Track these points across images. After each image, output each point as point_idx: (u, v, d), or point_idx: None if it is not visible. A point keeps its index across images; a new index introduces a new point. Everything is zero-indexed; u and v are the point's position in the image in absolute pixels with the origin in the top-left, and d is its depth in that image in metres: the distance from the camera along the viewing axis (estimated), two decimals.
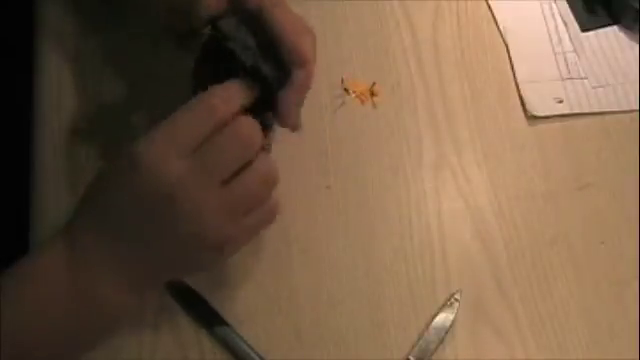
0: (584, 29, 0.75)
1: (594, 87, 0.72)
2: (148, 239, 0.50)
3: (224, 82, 0.52)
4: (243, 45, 0.53)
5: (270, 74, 0.53)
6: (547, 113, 0.70)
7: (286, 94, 0.54)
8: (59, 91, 0.68)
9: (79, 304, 0.50)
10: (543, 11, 0.76)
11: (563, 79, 0.72)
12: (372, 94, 0.70)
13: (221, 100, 0.50)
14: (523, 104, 0.71)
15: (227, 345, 0.58)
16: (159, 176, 0.48)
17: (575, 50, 0.74)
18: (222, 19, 0.54)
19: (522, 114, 0.70)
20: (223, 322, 0.58)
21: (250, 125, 0.50)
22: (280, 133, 0.59)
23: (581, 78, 0.72)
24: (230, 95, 0.51)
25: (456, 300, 0.61)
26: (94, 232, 0.50)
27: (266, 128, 0.54)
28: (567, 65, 0.73)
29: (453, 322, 0.60)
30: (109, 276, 0.50)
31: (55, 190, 0.63)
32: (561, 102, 0.71)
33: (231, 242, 0.51)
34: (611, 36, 0.75)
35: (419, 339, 0.59)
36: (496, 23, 0.75)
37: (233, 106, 0.50)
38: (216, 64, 0.55)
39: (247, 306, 0.60)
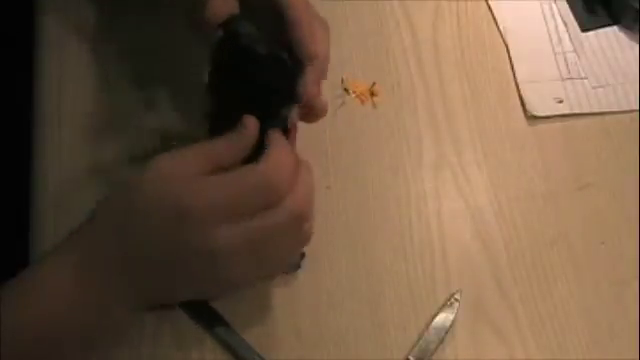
0: (584, 29, 0.75)
1: (594, 87, 0.72)
2: (171, 281, 0.53)
3: (241, 95, 0.53)
4: (256, 41, 0.53)
5: (288, 58, 0.53)
6: (547, 113, 0.70)
7: (306, 80, 0.54)
8: (59, 91, 0.67)
9: (83, 316, 0.50)
10: (543, 11, 0.76)
11: (563, 79, 0.72)
12: (372, 94, 0.70)
13: (279, 178, 0.51)
14: (523, 104, 0.71)
15: (227, 345, 0.58)
16: (207, 237, 0.49)
17: (575, 50, 0.74)
18: (232, 22, 0.54)
19: (522, 114, 0.70)
20: (223, 322, 0.58)
21: (307, 202, 0.52)
22: None
23: (581, 78, 0.72)
24: (288, 168, 0.51)
25: (456, 300, 0.61)
26: (116, 259, 0.50)
27: (287, 129, 0.55)
28: (567, 65, 0.73)
29: (453, 322, 0.60)
30: (118, 298, 0.51)
31: (55, 190, 0.63)
32: (561, 102, 0.71)
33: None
34: (611, 36, 0.75)
35: (419, 339, 0.59)
36: (496, 23, 0.75)
37: (291, 181, 0.51)
38: (230, 72, 0.55)
39: (247, 306, 0.60)
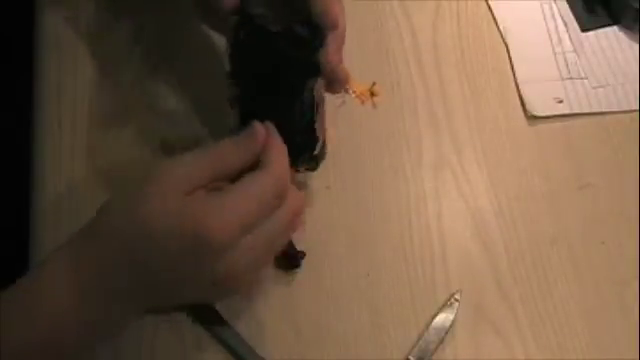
0: (584, 29, 0.75)
1: (594, 87, 0.72)
2: (179, 293, 0.53)
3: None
4: (270, 20, 0.53)
5: (305, 32, 0.53)
6: (547, 113, 0.70)
7: (327, 50, 0.55)
8: (59, 92, 0.67)
9: (84, 322, 0.50)
10: (543, 11, 0.76)
11: (563, 79, 0.72)
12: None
13: (287, 179, 0.52)
14: (523, 104, 0.71)
15: (227, 345, 0.58)
16: (228, 257, 0.49)
17: (575, 50, 0.74)
18: (245, 5, 0.54)
19: (522, 114, 0.70)
20: (223, 322, 0.58)
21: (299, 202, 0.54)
22: None
23: (581, 78, 0.72)
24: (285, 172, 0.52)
25: (456, 300, 0.61)
26: (122, 267, 0.50)
27: (315, 103, 0.56)
28: (567, 65, 0.73)
29: (453, 322, 0.60)
30: (121, 307, 0.51)
31: (55, 190, 0.63)
32: (561, 102, 0.71)
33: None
34: (611, 36, 0.75)
35: (419, 339, 0.59)
36: (496, 23, 0.75)
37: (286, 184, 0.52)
38: (250, 54, 0.55)
39: (247, 306, 0.60)
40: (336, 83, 0.57)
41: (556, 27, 0.75)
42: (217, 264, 0.49)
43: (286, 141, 0.54)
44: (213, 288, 0.52)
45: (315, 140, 0.57)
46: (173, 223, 0.48)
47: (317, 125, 0.57)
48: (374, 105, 0.70)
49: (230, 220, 0.49)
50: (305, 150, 0.57)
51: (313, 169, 0.59)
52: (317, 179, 0.65)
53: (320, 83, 0.56)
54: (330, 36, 0.55)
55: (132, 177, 0.54)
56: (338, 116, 0.69)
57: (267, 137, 0.52)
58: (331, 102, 0.69)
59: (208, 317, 0.59)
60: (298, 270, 0.61)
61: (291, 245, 0.61)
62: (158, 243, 0.49)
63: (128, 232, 0.50)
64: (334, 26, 0.55)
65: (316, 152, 0.58)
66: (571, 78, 0.72)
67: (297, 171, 0.58)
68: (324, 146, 0.59)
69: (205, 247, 0.48)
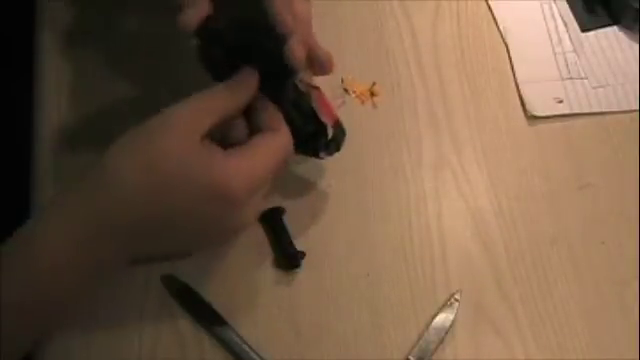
0: (584, 29, 0.75)
1: (594, 87, 0.72)
2: (181, 243, 0.56)
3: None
4: (233, 32, 0.55)
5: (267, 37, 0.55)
6: (547, 113, 0.70)
7: (289, 48, 0.55)
8: (59, 91, 0.68)
9: (81, 272, 0.51)
10: (543, 11, 0.76)
11: (563, 79, 0.72)
12: (372, 94, 0.70)
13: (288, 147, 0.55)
14: (523, 104, 0.71)
15: (227, 345, 0.58)
16: (244, 212, 0.53)
17: (575, 50, 0.74)
18: (204, 27, 0.55)
19: (522, 114, 0.70)
20: (223, 322, 0.58)
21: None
22: None
23: (581, 78, 0.72)
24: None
25: (456, 300, 0.61)
26: (135, 220, 0.50)
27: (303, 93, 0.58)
28: (567, 65, 0.73)
29: (453, 322, 0.60)
30: (112, 250, 0.51)
31: (55, 190, 0.63)
32: (561, 102, 0.71)
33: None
34: (611, 36, 0.75)
35: (419, 339, 0.59)
36: (496, 23, 0.75)
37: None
38: (224, 69, 0.56)
39: (247, 306, 0.60)
40: (319, 68, 0.58)
41: (556, 27, 0.75)
42: (232, 218, 0.52)
43: (299, 135, 0.57)
44: (218, 237, 0.56)
45: (323, 125, 0.58)
46: (194, 172, 0.50)
47: (318, 111, 0.58)
48: (374, 105, 0.70)
49: (251, 184, 0.52)
50: (319, 137, 0.59)
51: (336, 150, 0.60)
52: (317, 179, 0.65)
53: (299, 76, 0.57)
54: (291, 35, 0.55)
55: None
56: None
57: (268, 103, 0.56)
58: (331, 102, 0.69)
59: (208, 317, 0.59)
60: (298, 270, 0.61)
61: (291, 245, 0.61)
62: (174, 188, 0.50)
63: (143, 184, 0.50)
64: (287, 27, 0.55)
65: (330, 136, 0.59)
66: (571, 78, 0.72)
67: (321, 158, 0.60)
68: (339, 128, 0.60)
69: (227, 206, 0.51)
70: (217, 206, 0.51)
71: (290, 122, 0.56)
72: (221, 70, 0.56)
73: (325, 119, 0.58)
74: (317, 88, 0.59)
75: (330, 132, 0.59)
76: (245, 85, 0.54)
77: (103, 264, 0.52)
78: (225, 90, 0.54)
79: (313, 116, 0.58)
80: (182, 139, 0.50)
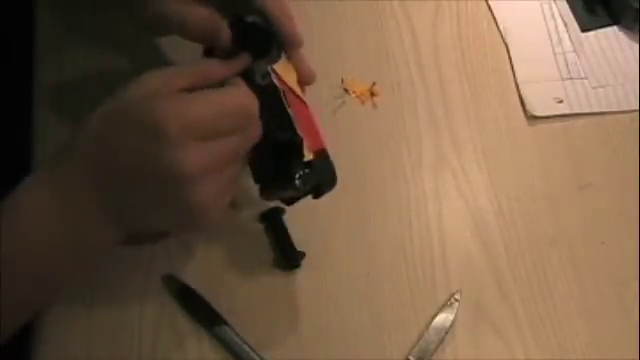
0: (584, 29, 0.75)
1: (594, 87, 0.72)
2: (140, 201, 0.52)
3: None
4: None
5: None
6: (547, 113, 0.70)
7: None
8: (59, 91, 0.68)
9: (64, 234, 0.51)
10: (543, 11, 0.76)
11: (563, 79, 0.72)
12: (372, 94, 0.70)
13: (254, 107, 0.53)
14: (523, 104, 0.71)
15: (227, 345, 0.58)
16: (177, 154, 0.49)
17: (575, 50, 0.74)
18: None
19: (522, 114, 0.70)
20: (223, 322, 0.58)
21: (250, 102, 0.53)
22: None
23: (581, 78, 0.72)
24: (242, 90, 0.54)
25: (456, 300, 0.61)
26: (87, 177, 0.51)
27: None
28: (567, 65, 0.73)
29: (453, 322, 0.60)
30: (94, 216, 0.51)
31: None
32: (561, 102, 0.71)
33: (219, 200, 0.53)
34: (611, 36, 0.75)
35: (419, 339, 0.59)
36: (496, 23, 0.75)
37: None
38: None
39: (247, 306, 0.60)
40: (291, 43, 0.57)
41: (556, 27, 0.75)
42: (168, 155, 0.49)
43: (267, 145, 0.54)
44: (173, 198, 0.51)
45: (298, 137, 0.53)
46: (136, 108, 0.50)
47: (294, 120, 0.54)
48: (374, 105, 0.70)
49: (184, 113, 0.49)
50: (292, 150, 0.54)
51: (314, 189, 0.55)
52: None
53: (280, 68, 0.56)
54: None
55: None
56: (338, 116, 0.69)
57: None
58: (331, 103, 0.70)
59: (208, 317, 0.59)
60: (298, 270, 0.61)
61: (291, 245, 0.61)
62: (120, 126, 0.50)
63: (99, 125, 0.51)
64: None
65: (307, 159, 0.53)
66: (571, 78, 0.72)
67: (294, 188, 0.54)
68: (324, 161, 0.55)
69: (156, 132, 0.49)
70: (150, 140, 0.49)
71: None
72: None
73: (305, 140, 0.54)
74: (304, 104, 0.57)
75: (307, 157, 0.53)
76: (224, 65, 0.55)
77: (83, 217, 0.51)
78: (199, 65, 0.55)
79: (287, 121, 0.54)
80: (145, 92, 0.51)
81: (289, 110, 0.54)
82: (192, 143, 0.49)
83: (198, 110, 0.50)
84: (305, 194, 0.56)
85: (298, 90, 0.57)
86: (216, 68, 0.55)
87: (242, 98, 0.53)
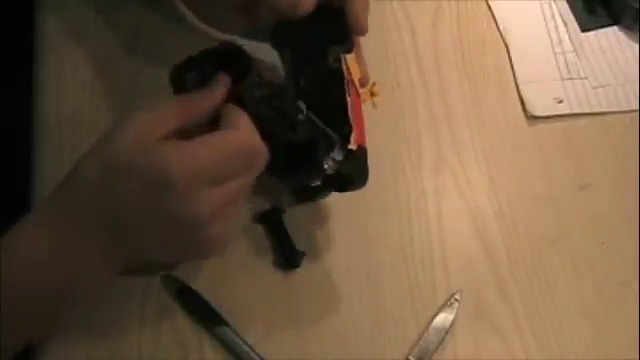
0: (584, 29, 0.75)
1: (594, 87, 0.72)
2: (149, 243, 0.52)
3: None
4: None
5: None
6: (547, 113, 0.70)
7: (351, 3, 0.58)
8: (59, 91, 0.67)
9: (63, 275, 0.51)
10: (543, 11, 0.76)
11: (563, 79, 0.72)
12: (372, 94, 0.70)
13: (257, 142, 0.52)
14: (523, 104, 0.71)
15: (227, 345, 0.58)
16: (190, 204, 0.49)
17: (575, 50, 0.74)
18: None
19: (522, 114, 0.70)
20: (223, 322, 0.58)
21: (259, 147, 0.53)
22: None
23: (581, 78, 0.72)
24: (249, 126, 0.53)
25: (456, 300, 0.61)
26: (93, 217, 0.50)
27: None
28: (567, 65, 0.73)
29: (453, 322, 0.60)
30: (94, 259, 0.51)
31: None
32: (561, 102, 0.71)
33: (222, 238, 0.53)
34: (611, 36, 0.75)
35: (419, 339, 0.59)
36: (496, 23, 0.75)
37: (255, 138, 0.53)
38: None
39: (247, 306, 0.60)
40: (357, 29, 0.59)
41: (556, 27, 0.75)
42: (180, 207, 0.49)
43: (320, 118, 0.55)
44: (182, 240, 0.52)
45: (348, 125, 0.56)
46: (139, 160, 0.49)
47: (349, 108, 0.57)
48: (374, 105, 0.70)
49: (191, 163, 0.49)
50: (340, 131, 0.56)
51: (347, 184, 0.56)
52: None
53: (350, 59, 0.58)
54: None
55: None
56: None
57: (240, 110, 0.53)
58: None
59: (208, 317, 0.59)
60: (298, 270, 0.61)
61: (291, 245, 0.61)
62: (122, 178, 0.50)
63: (96, 174, 0.50)
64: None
65: (351, 146, 0.56)
66: (571, 78, 0.72)
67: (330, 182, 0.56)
68: (363, 156, 0.57)
69: (166, 185, 0.49)
70: (160, 193, 0.49)
71: (269, 131, 0.54)
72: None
73: (354, 131, 0.56)
74: (359, 99, 0.60)
75: (352, 146, 0.55)
76: (209, 94, 0.53)
77: (81, 260, 0.52)
78: (185, 99, 0.53)
79: (342, 106, 0.57)
80: (137, 137, 0.50)
81: (348, 98, 0.57)
82: (201, 192, 0.49)
83: (203, 159, 0.50)
84: (332, 184, 0.57)
85: (357, 85, 0.60)
86: (201, 101, 0.53)
87: (243, 137, 0.52)
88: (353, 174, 0.56)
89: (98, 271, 0.52)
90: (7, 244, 0.50)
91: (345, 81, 0.58)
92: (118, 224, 0.51)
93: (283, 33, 0.59)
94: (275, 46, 0.60)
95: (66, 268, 0.51)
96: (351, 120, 0.57)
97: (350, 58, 0.59)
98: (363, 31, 0.59)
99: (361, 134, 0.58)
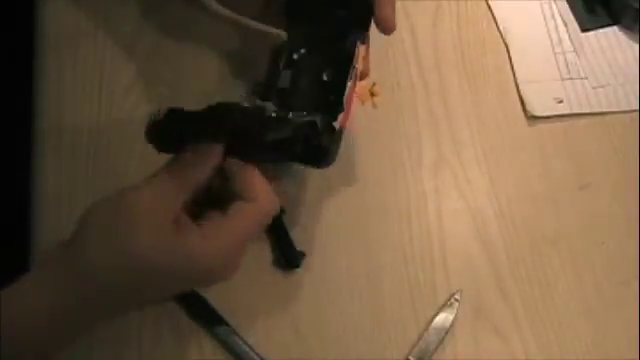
0: (584, 29, 0.75)
1: (594, 87, 0.72)
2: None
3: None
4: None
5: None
6: (547, 113, 0.70)
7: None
8: (59, 91, 0.67)
9: (65, 329, 0.51)
10: (543, 11, 0.76)
11: (563, 79, 0.72)
12: (372, 94, 0.70)
13: (274, 205, 0.53)
14: (523, 104, 0.71)
15: (227, 345, 0.58)
16: (217, 277, 0.53)
17: (575, 50, 0.74)
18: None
19: (522, 114, 0.70)
20: (223, 322, 0.58)
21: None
22: None
23: (581, 78, 0.72)
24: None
25: (456, 300, 0.61)
26: (106, 299, 0.50)
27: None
28: (567, 65, 0.73)
29: (453, 322, 0.60)
30: (100, 314, 0.52)
31: (55, 190, 0.63)
32: (561, 102, 0.71)
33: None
34: (611, 36, 0.75)
35: (419, 339, 0.59)
36: (496, 23, 0.75)
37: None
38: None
39: (247, 306, 0.60)
40: (384, 27, 0.59)
41: (556, 27, 0.75)
42: (203, 277, 0.53)
43: (314, 92, 0.58)
44: (197, 285, 0.57)
45: (341, 107, 0.57)
46: (168, 261, 0.49)
47: (347, 91, 0.57)
48: (374, 105, 0.70)
49: (231, 260, 0.52)
50: (331, 108, 0.57)
51: (314, 156, 0.57)
52: (317, 179, 0.65)
53: (361, 50, 0.59)
54: None
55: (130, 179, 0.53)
56: None
57: (251, 171, 0.52)
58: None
59: (208, 317, 0.59)
60: (298, 270, 0.61)
61: (291, 245, 0.61)
62: (151, 278, 0.49)
63: (113, 266, 0.48)
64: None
65: (335, 124, 0.56)
66: (571, 78, 0.72)
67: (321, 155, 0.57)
68: (339, 138, 0.58)
69: (200, 277, 0.53)
70: (200, 281, 0.55)
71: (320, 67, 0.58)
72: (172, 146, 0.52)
73: (345, 105, 0.57)
74: (355, 88, 0.60)
75: (338, 121, 0.57)
76: (206, 156, 0.51)
77: (85, 325, 0.53)
78: (181, 169, 0.51)
79: (342, 85, 0.58)
80: (153, 232, 0.49)
81: (349, 82, 0.58)
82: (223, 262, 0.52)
83: (239, 249, 0.52)
84: (301, 145, 0.55)
85: (358, 75, 0.61)
86: (201, 167, 0.51)
87: (264, 207, 0.52)
88: (326, 146, 0.57)
89: (102, 318, 0.54)
90: (6, 300, 0.49)
91: (352, 67, 0.58)
92: (135, 301, 0.53)
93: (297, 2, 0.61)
94: (289, 14, 0.61)
95: (66, 329, 0.51)
96: (344, 104, 0.58)
97: (362, 48, 0.60)
98: (389, 30, 0.59)
99: (346, 118, 0.58)
